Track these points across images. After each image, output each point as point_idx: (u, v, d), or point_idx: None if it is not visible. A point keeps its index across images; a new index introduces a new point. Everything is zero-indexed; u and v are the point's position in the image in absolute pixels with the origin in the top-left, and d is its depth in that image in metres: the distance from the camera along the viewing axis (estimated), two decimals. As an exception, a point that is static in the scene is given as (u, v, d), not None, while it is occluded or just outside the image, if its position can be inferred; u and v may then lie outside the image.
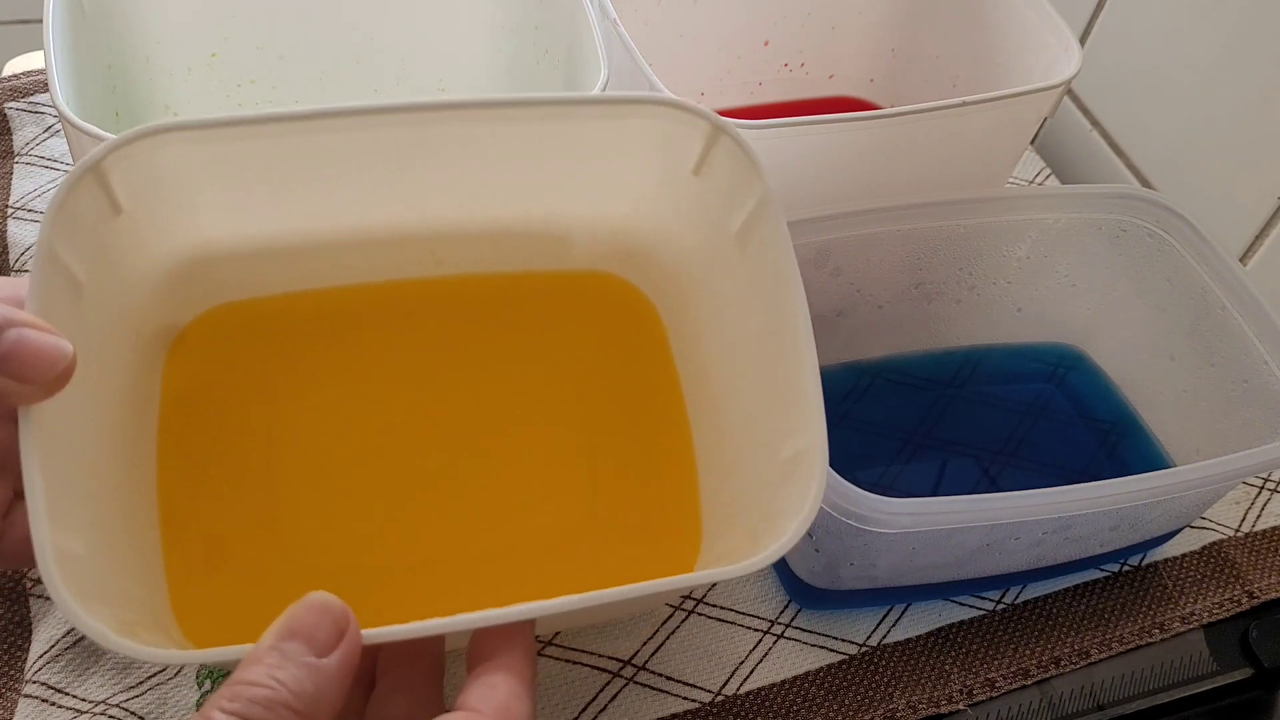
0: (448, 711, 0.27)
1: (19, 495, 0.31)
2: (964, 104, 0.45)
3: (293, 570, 0.35)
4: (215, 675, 0.40)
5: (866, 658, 0.43)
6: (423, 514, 0.38)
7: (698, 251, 0.39)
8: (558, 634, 0.42)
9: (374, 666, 0.29)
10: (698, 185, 0.38)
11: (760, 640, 0.43)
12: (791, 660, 0.42)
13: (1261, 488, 0.50)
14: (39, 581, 0.42)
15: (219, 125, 0.33)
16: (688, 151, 0.37)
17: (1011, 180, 0.61)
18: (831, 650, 0.43)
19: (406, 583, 0.36)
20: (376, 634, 0.26)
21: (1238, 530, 0.48)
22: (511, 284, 0.41)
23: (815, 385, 0.32)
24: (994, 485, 0.48)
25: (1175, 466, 0.47)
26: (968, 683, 0.42)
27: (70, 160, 0.55)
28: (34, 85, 0.60)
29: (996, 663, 0.43)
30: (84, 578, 0.27)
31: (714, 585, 0.44)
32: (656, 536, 0.38)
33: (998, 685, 0.42)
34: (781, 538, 0.29)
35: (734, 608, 0.44)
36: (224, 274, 0.39)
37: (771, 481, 0.33)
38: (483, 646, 0.28)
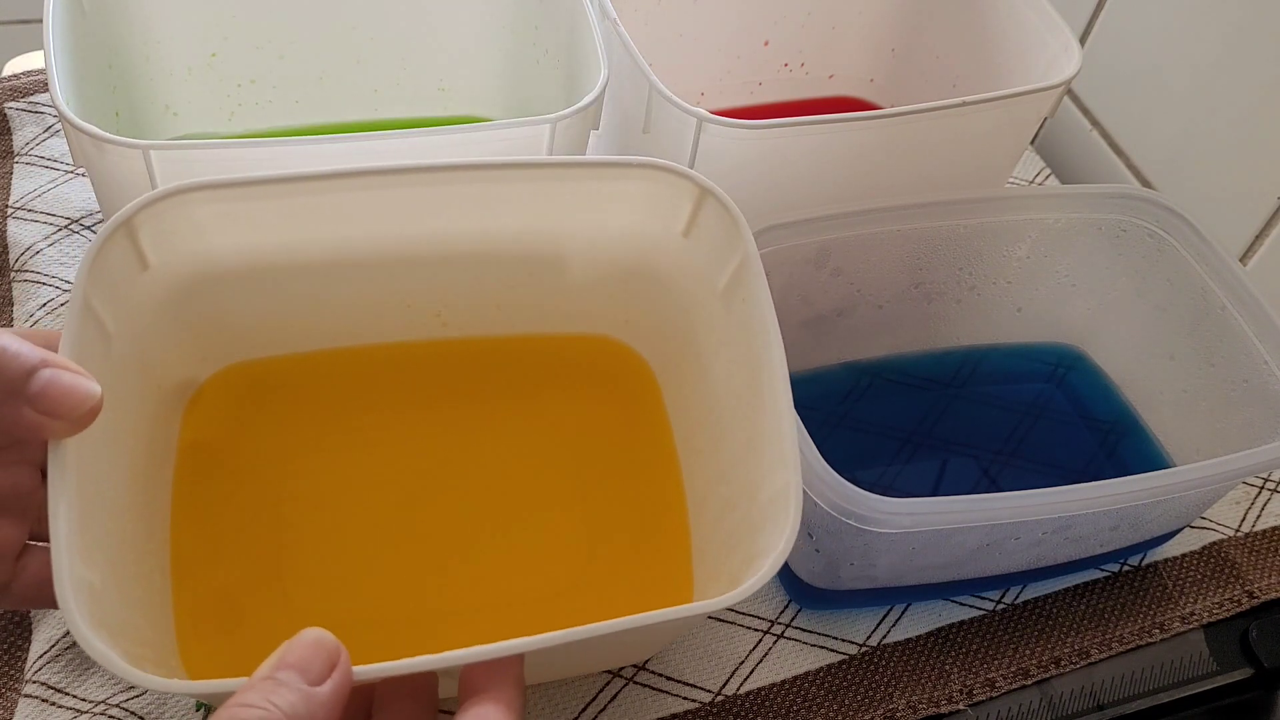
0: None
1: (33, 539, 0.33)
2: (964, 104, 0.45)
3: (297, 623, 0.37)
4: None
5: (866, 658, 0.43)
6: (427, 569, 0.39)
7: (688, 308, 0.40)
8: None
9: (369, 708, 0.30)
10: (688, 245, 0.39)
11: (760, 640, 0.43)
12: (791, 660, 0.42)
13: (1261, 488, 0.50)
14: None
15: (244, 185, 0.35)
16: (677, 213, 0.39)
17: (1011, 180, 0.61)
18: (831, 650, 0.43)
19: (409, 640, 0.37)
20: (368, 670, 0.27)
21: (1238, 530, 0.48)
22: (514, 346, 0.44)
23: (791, 431, 0.33)
24: (994, 485, 0.48)
25: (1175, 466, 0.47)
26: (968, 683, 0.42)
27: (70, 160, 0.55)
28: (34, 85, 0.59)
29: (996, 663, 0.43)
30: (97, 608, 0.28)
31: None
32: (650, 592, 0.39)
33: (998, 685, 0.42)
34: (758, 573, 0.30)
35: (734, 607, 0.43)
36: (239, 332, 0.40)
37: (753, 526, 0.34)
38: (474, 681, 0.29)
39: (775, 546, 0.31)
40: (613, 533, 0.40)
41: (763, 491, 0.34)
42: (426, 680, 0.30)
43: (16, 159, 0.56)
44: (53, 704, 0.39)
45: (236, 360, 0.41)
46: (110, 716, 0.38)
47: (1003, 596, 0.45)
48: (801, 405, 0.34)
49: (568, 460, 0.42)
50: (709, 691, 0.41)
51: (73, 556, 0.28)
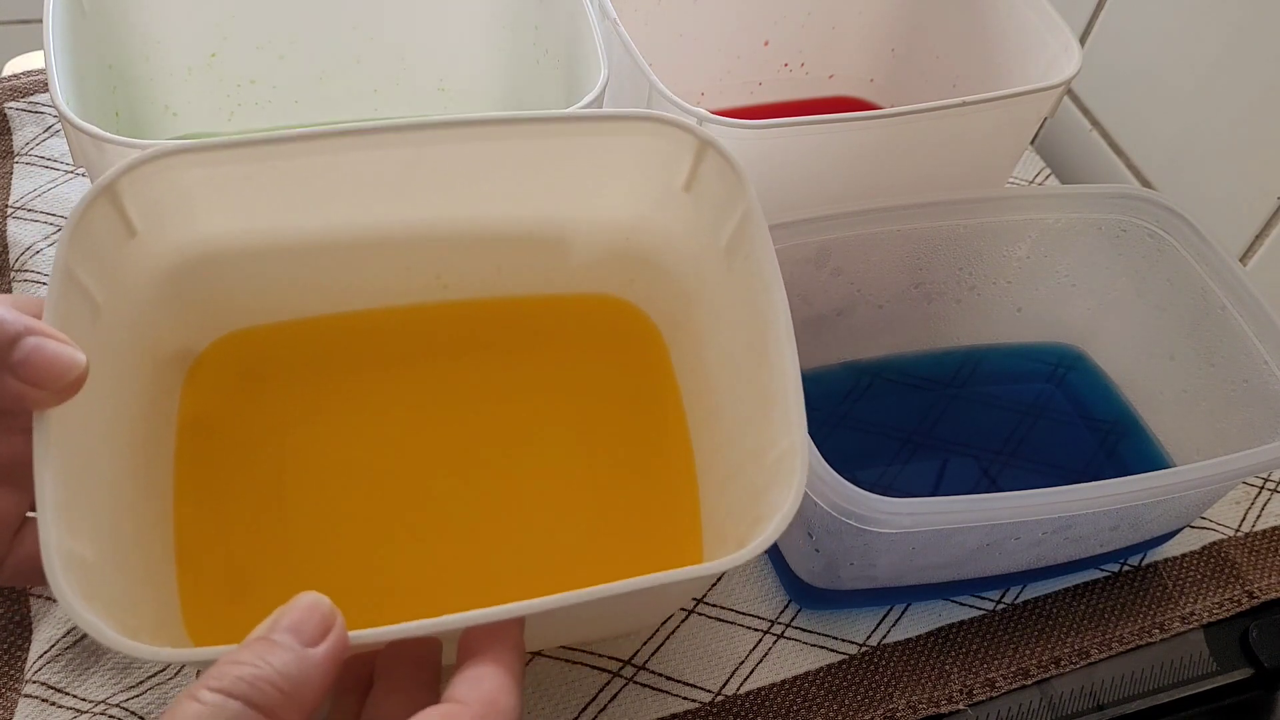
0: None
1: (30, 511, 0.32)
2: (964, 104, 0.45)
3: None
4: None
5: (866, 658, 0.43)
6: (433, 536, 0.38)
7: (692, 266, 0.40)
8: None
9: (370, 673, 0.29)
10: (690, 201, 0.38)
11: (760, 640, 0.43)
12: (791, 660, 0.42)
13: (1261, 488, 0.50)
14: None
15: (228, 148, 0.34)
16: (678, 167, 0.38)
17: (1011, 180, 0.61)
18: (831, 650, 0.43)
19: (418, 604, 0.37)
20: (364, 634, 0.27)
21: (1238, 530, 0.48)
22: (517, 307, 0.43)
23: (796, 390, 0.32)
24: (994, 485, 0.48)
25: (1175, 466, 0.47)
26: (968, 683, 0.42)
27: (70, 160, 0.55)
28: (34, 85, 0.60)
29: (996, 663, 0.43)
30: (89, 581, 0.28)
31: (715, 585, 0.44)
32: (657, 558, 0.38)
33: (998, 685, 0.42)
34: (763, 534, 0.30)
35: (734, 608, 0.44)
36: (236, 299, 0.39)
37: (759, 488, 0.34)
38: (471, 644, 0.28)
39: (781, 506, 0.30)
40: (620, 499, 0.40)
41: (769, 454, 0.33)
42: (429, 648, 0.29)
43: (16, 159, 0.56)
44: (53, 704, 0.39)
45: (233, 329, 0.40)
46: (110, 716, 0.38)
47: (1003, 596, 0.45)
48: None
49: (574, 424, 0.41)
50: (709, 691, 0.41)
51: (60, 528, 0.27)
